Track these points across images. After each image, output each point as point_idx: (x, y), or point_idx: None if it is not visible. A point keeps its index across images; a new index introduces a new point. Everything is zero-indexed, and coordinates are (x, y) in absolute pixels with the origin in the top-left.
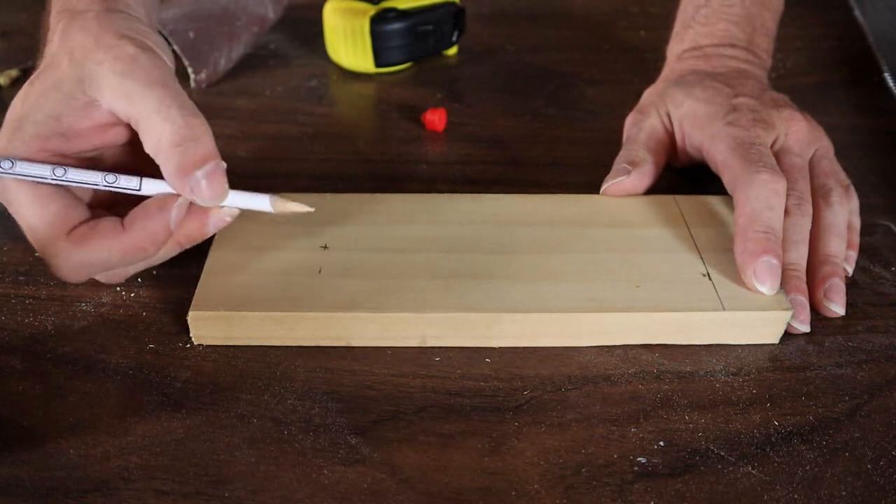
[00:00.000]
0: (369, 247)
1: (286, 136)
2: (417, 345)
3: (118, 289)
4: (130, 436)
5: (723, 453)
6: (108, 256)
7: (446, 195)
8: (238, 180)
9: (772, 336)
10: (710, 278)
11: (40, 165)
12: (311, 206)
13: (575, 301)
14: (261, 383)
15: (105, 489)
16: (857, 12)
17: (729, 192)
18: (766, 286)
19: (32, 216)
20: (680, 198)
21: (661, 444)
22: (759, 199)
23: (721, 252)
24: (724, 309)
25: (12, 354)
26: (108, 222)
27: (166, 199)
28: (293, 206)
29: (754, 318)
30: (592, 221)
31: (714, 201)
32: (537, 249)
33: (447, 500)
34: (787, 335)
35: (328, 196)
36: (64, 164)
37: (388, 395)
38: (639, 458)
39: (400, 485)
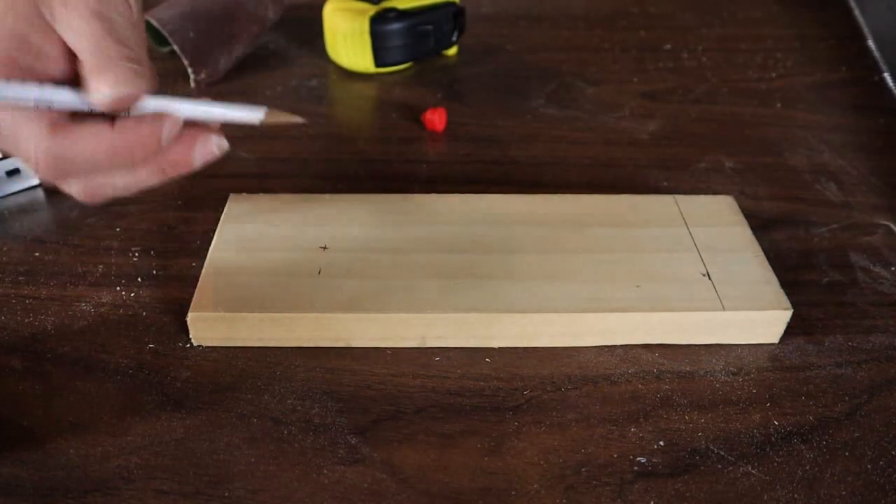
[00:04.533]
0: (369, 247)
1: (286, 136)
2: (417, 345)
3: (118, 289)
4: (130, 436)
5: (723, 453)
6: (93, 153)
7: (446, 195)
8: (238, 180)
9: (772, 336)
10: (709, 278)
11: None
12: (311, 206)
13: (575, 301)
14: (261, 383)
15: (105, 489)
16: (856, 12)
17: None
18: None
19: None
20: (679, 197)
21: (661, 443)
22: None
23: (721, 252)
24: (723, 309)
25: (12, 354)
26: (97, 120)
27: (162, 114)
28: (286, 116)
29: (754, 318)
30: (592, 221)
31: (714, 201)
32: (537, 249)
33: (447, 499)
34: (787, 335)
35: (328, 196)
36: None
37: (388, 395)
38: (639, 458)
39: (400, 485)
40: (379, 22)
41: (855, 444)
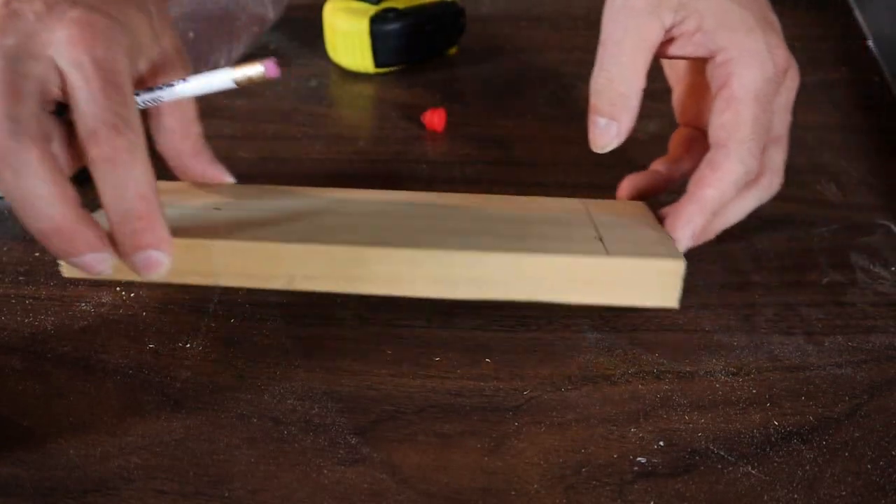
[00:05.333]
0: (264, 208)
1: (286, 136)
2: (285, 286)
3: (118, 289)
4: (130, 436)
5: (723, 453)
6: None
7: (373, 191)
8: (238, 181)
9: (668, 297)
10: (601, 240)
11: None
12: (223, 189)
13: (448, 244)
14: (261, 383)
15: (105, 489)
16: (856, 12)
17: (712, 136)
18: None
19: None
20: (590, 200)
21: (661, 443)
22: (729, 187)
23: (619, 226)
24: (608, 254)
25: (12, 354)
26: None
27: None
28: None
29: (642, 269)
30: (498, 205)
31: (626, 204)
32: (428, 215)
33: (447, 500)
34: (786, 334)
35: (257, 187)
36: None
37: (388, 395)
38: (639, 458)
39: (400, 485)
40: (379, 22)
41: (855, 445)
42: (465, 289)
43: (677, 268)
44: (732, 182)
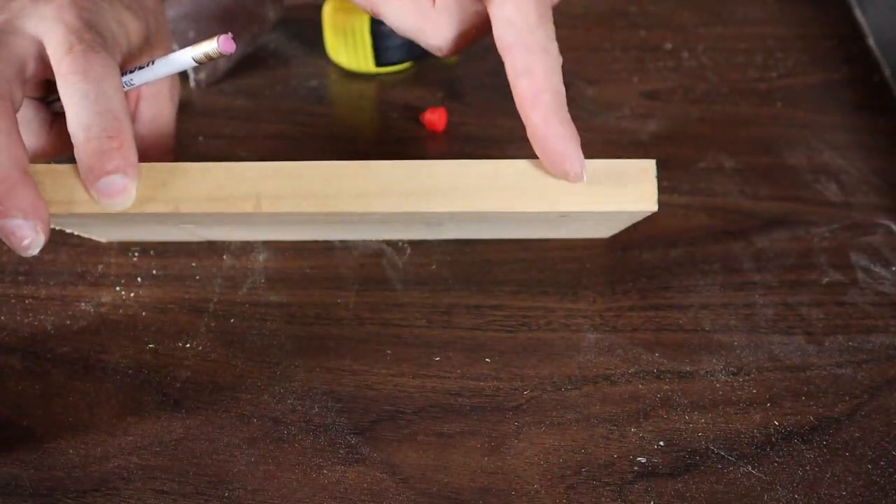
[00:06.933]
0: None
1: (286, 136)
2: (252, 210)
3: (118, 289)
4: (130, 436)
5: (723, 453)
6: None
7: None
8: None
9: (646, 198)
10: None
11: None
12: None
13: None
14: (261, 383)
15: (105, 489)
16: (857, 12)
17: (503, 39)
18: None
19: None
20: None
21: (661, 444)
22: (555, 79)
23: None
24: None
25: (12, 354)
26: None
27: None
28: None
29: (613, 167)
30: None
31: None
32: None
33: (447, 500)
34: (786, 334)
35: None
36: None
37: (388, 395)
38: (639, 458)
39: (400, 485)
40: (379, 21)
41: (855, 445)
42: (441, 201)
43: (649, 166)
44: (553, 72)
